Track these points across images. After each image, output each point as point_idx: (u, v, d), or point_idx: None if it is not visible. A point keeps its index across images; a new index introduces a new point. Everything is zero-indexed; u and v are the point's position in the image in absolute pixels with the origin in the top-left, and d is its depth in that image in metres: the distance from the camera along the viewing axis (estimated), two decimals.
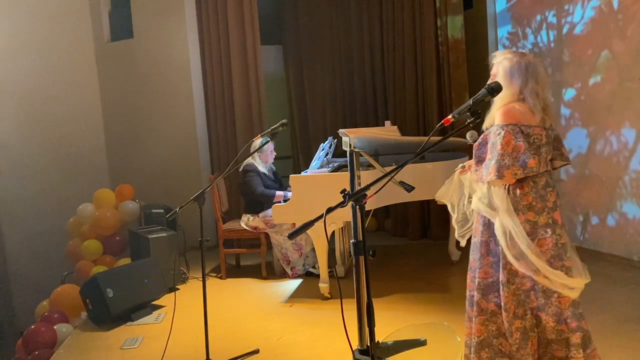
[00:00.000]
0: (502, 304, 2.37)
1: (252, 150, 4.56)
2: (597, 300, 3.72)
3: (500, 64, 2.39)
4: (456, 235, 2.73)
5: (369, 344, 1.82)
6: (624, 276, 4.19)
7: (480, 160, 2.41)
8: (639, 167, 4.32)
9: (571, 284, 2.32)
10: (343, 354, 3.02)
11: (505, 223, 2.30)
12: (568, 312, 2.34)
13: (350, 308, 2.35)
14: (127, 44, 6.37)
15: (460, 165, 2.65)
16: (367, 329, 1.83)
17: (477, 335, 2.46)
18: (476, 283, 2.46)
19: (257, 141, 4.38)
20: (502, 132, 2.27)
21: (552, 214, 2.35)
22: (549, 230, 2.33)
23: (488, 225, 2.42)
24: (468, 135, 2.42)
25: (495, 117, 2.36)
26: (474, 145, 2.45)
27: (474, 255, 2.52)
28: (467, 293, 2.59)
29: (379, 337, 3.08)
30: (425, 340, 2.48)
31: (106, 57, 6.53)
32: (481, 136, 2.46)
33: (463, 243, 2.68)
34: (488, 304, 2.44)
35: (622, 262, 4.46)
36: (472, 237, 2.57)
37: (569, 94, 4.95)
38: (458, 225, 2.68)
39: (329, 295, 4.15)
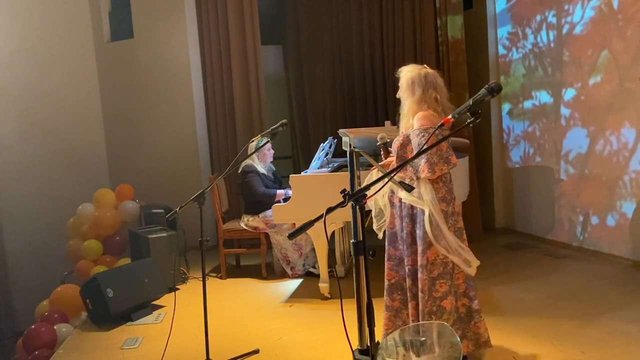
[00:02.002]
0: (420, 286, 2.67)
1: (249, 152, 4.57)
2: (597, 300, 3.73)
3: (403, 77, 2.77)
4: (374, 227, 2.98)
5: (369, 344, 1.82)
6: (624, 276, 4.19)
7: (402, 160, 2.71)
8: (639, 167, 4.32)
9: (473, 262, 2.68)
10: (343, 354, 3.02)
11: (434, 211, 2.62)
12: (463, 287, 2.75)
13: (350, 308, 2.36)
14: (127, 44, 6.37)
15: (380, 164, 2.89)
16: (367, 329, 1.83)
17: (413, 319, 2.75)
18: (407, 270, 2.75)
19: (253, 143, 4.40)
20: (426, 134, 2.55)
21: (454, 204, 2.74)
22: (453, 218, 2.72)
23: (411, 217, 2.72)
24: (379, 137, 2.74)
25: (412, 122, 2.71)
26: (396, 146, 2.74)
27: (394, 245, 2.84)
28: (386, 282, 2.86)
29: (379, 337, 3.09)
30: (425, 340, 2.49)
31: (106, 57, 6.53)
32: (400, 138, 2.74)
33: (380, 235, 2.94)
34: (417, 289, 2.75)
35: (622, 262, 4.46)
36: (388, 229, 2.88)
37: (569, 94, 4.95)
38: (376, 219, 2.94)
39: (329, 295, 4.15)
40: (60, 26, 6.33)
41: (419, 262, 2.68)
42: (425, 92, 2.72)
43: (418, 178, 2.65)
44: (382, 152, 2.92)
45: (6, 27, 6.08)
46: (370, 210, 3.61)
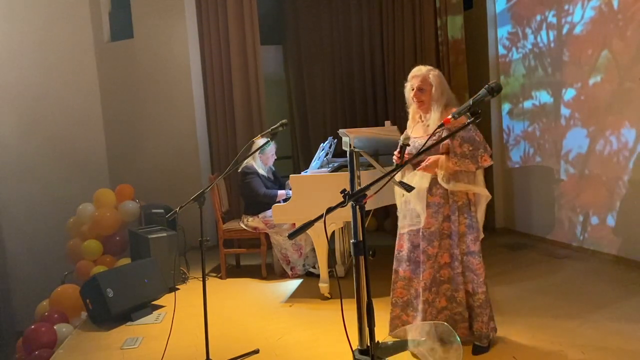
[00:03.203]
0: (474, 269, 2.89)
1: (253, 149, 4.55)
2: (597, 300, 3.73)
3: (428, 77, 2.90)
4: (400, 224, 3.05)
5: (369, 344, 1.82)
6: (624, 276, 4.19)
7: (455, 155, 2.80)
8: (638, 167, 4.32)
9: None
10: (343, 354, 3.02)
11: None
12: None
13: (350, 308, 2.35)
14: (127, 44, 6.37)
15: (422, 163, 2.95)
16: (367, 329, 1.83)
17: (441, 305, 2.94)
18: (459, 259, 2.90)
19: (259, 141, 4.33)
20: (475, 128, 2.72)
21: None
22: None
23: (460, 210, 2.87)
24: (402, 137, 2.80)
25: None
26: (446, 144, 2.78)
27: (432, 244, 2.89)
28: (429, 281, 2.91)
29: (379, 337, 3.09)
30: (426, 340, 2.49)
31: (106, 57, 6.53)
32: (444, 134, 2.78)
33: (403, 230, 3.03)
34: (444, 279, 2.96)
35: (622, 262, 4.46)
36: (423, 229, 2.90)
37: (569, 94, 4.95)
38: (400, 216, 3.04)
39: (329, 295, 4.15)
40: (60, 26, 6.34)
41: (472, 249, 2.88)
42: (449, 92, 2.96)
43: (478, 167, 2.81)
44: (397, 151, 2.87)
45: (6, 27, 6.09)
46: (370, 211, 3.63)
